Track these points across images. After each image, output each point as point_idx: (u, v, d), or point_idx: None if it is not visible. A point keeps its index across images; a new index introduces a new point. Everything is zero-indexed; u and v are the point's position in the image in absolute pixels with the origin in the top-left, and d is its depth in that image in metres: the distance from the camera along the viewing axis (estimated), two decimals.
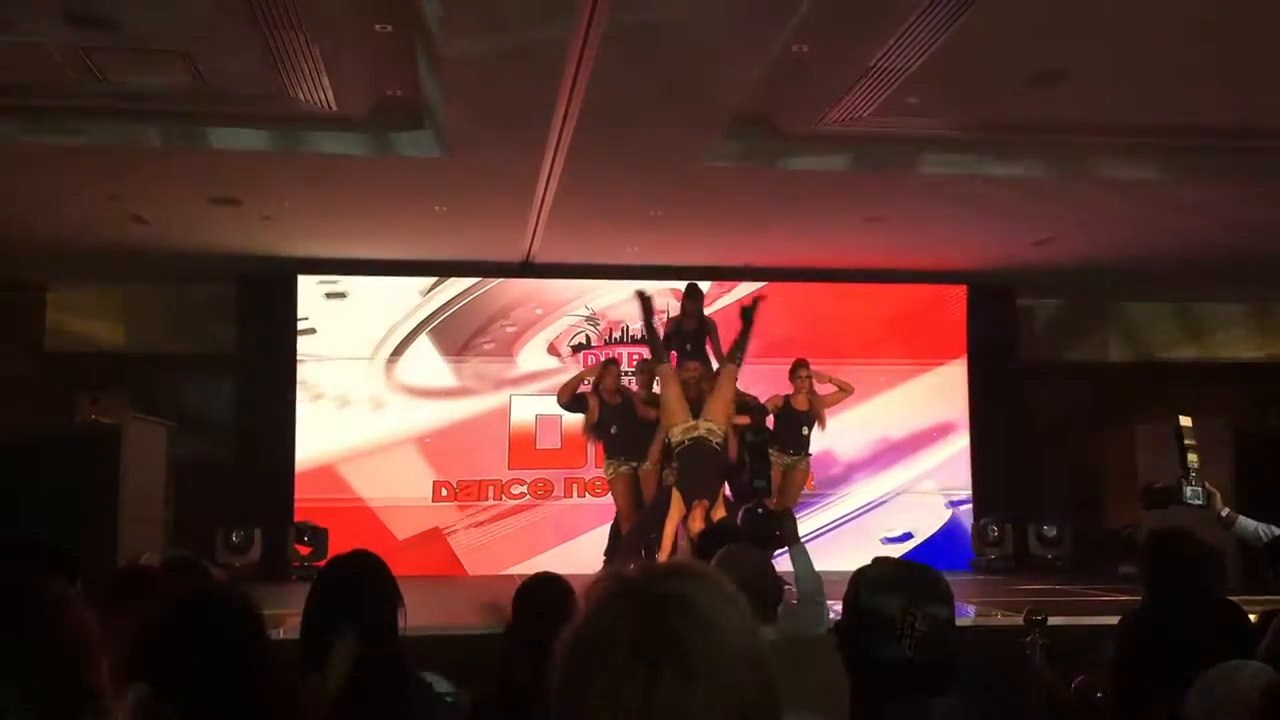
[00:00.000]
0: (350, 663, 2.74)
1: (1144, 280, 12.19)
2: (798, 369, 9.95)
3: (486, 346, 12.23)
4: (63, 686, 1.13)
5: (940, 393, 12.72)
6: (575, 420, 10.37)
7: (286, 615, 5.78)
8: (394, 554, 10.64)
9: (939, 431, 12.68)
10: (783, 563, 4.69)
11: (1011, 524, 11.94)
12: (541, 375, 12.16)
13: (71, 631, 1.16)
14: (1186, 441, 4.22)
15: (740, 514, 7.45)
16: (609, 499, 10.20)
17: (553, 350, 12.28)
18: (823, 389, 10.07)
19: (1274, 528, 4.07)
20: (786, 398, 9.92)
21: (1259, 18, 6.57)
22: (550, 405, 10.81)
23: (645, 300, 9.58)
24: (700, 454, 8.77)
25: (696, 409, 8.96)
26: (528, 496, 12.01)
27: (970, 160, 8.81)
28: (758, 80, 7.18)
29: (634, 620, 1.03)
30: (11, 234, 10.26)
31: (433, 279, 12.15)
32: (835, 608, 2.84)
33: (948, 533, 12.48)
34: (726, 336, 9.57)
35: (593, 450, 11.72)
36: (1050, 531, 11.88)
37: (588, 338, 12.34)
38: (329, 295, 12.02)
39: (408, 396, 12.09)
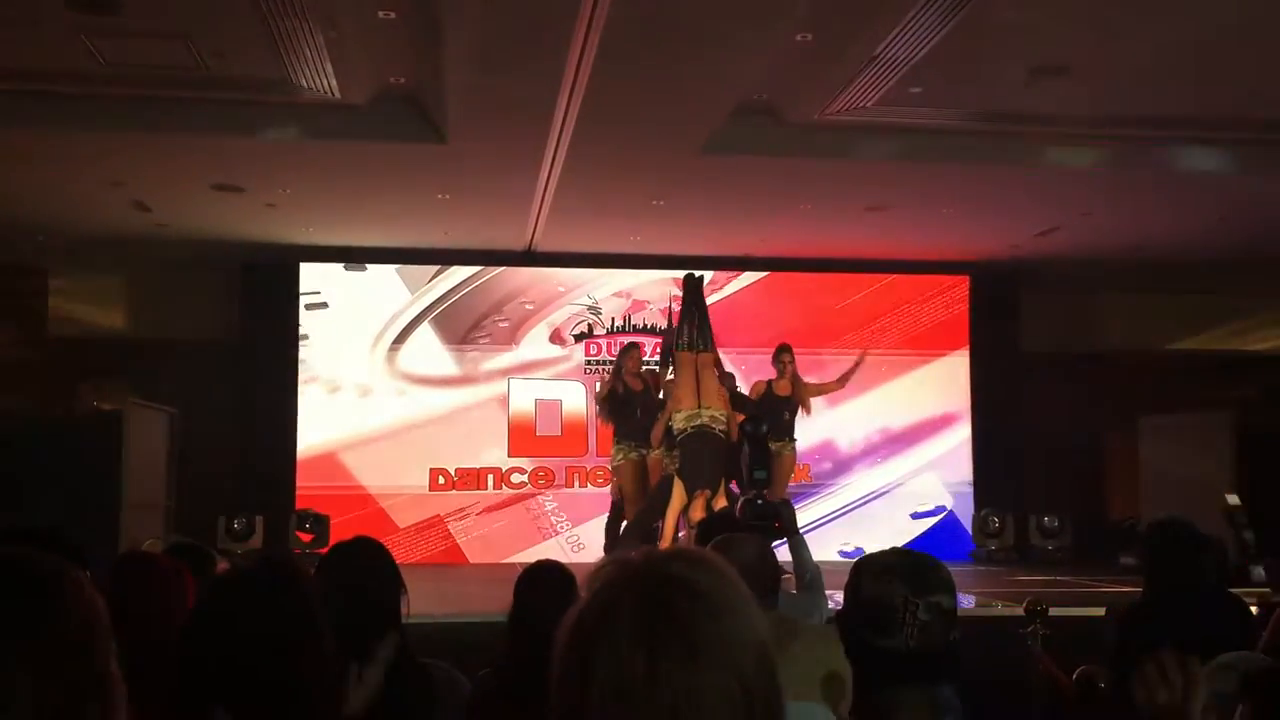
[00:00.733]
0: (388, 664, 2.73)
1: (1146, 271, 12.18)
2: (780, 354, 9.74)
3: (488, 334, 12.22)
4: (73, 670, 1.14)
5: (942, 384, 12.72)
6: (576, 407, 10.30)
7: None
8: (395, 542, 10.75)
9: (941, 422, 12.69)
10: (782, 553, 4.69)
11: (1012, 515, 11.97)
12: (544, 363, 12.17)
13: (83, 616, 1.17)
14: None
15: (739, 504, 7.48)
16: (609, 489, 10.20)
17: (555, 338, 12.28)
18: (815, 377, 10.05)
19: None
20: (769, 383, 9.69)
21: (1259, 17, 6.57)
22: (549, 389, 10.74)
23: (695, 282, 9.60)
24: (703, 442, 8.77)
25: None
26: (528, 486, 12.02)
27: (973, 150, 8.80)
28: (761, 70, 7.17)
29: (636, 602, 1.03)
30: (14, 220, 10.24)
31: (434, 268, 12.15)
32: (836, 597, 2.85)
33: (948, 524, 12.51)
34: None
35: (594, 438, 11.73)
36: (1051, 523, 11.89)
37: (590, 326, 12.33)
38: (314, 304, 12.02)
39: (409, 384, 12.09)
